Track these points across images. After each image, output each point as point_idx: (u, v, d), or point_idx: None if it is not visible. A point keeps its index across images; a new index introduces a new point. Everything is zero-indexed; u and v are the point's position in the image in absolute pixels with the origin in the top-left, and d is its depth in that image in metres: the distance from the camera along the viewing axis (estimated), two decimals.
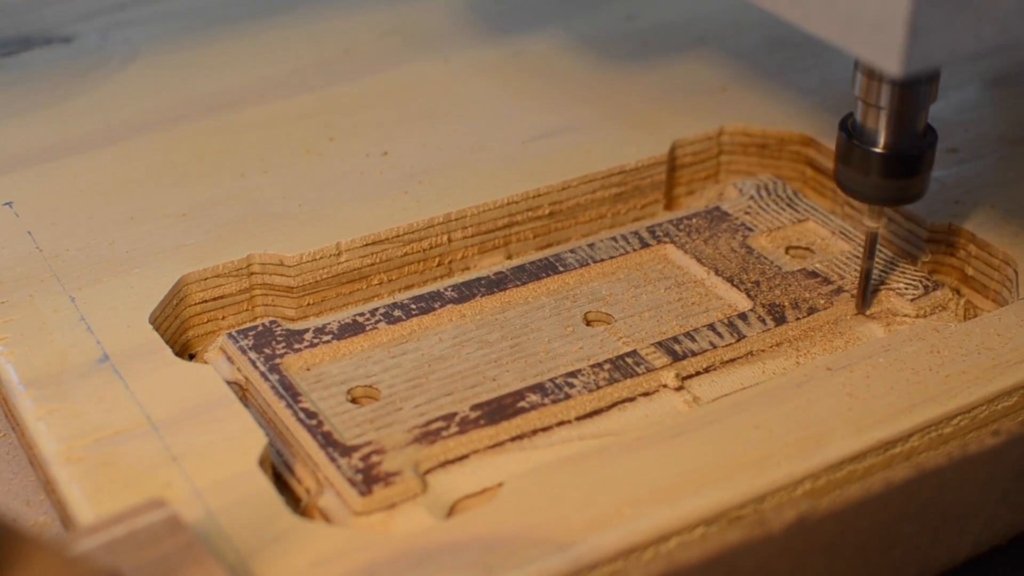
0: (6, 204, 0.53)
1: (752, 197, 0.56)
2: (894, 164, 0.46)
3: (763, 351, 0.48)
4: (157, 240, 0.51)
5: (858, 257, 0.52)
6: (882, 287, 0.50)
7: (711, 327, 0.49)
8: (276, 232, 0.51)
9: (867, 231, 0.49)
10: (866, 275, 0.49)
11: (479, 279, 0.51)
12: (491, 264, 0.54)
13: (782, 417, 0.43)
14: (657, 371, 0.47)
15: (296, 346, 0.47)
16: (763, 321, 0.49)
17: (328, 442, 0.43)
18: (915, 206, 0.53)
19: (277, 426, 0.45)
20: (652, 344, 0.48)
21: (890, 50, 0.37)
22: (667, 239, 0.53)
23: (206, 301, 0.50)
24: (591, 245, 0.53)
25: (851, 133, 0.47)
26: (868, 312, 0.49)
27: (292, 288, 0.51)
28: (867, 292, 0.50)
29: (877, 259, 0.52)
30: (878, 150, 0.46)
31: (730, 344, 0.48)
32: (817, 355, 0.48)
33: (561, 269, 0.51)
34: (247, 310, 0.51)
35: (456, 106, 0.60)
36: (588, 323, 0.49)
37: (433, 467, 0.43)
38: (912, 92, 0.45)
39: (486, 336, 0.48)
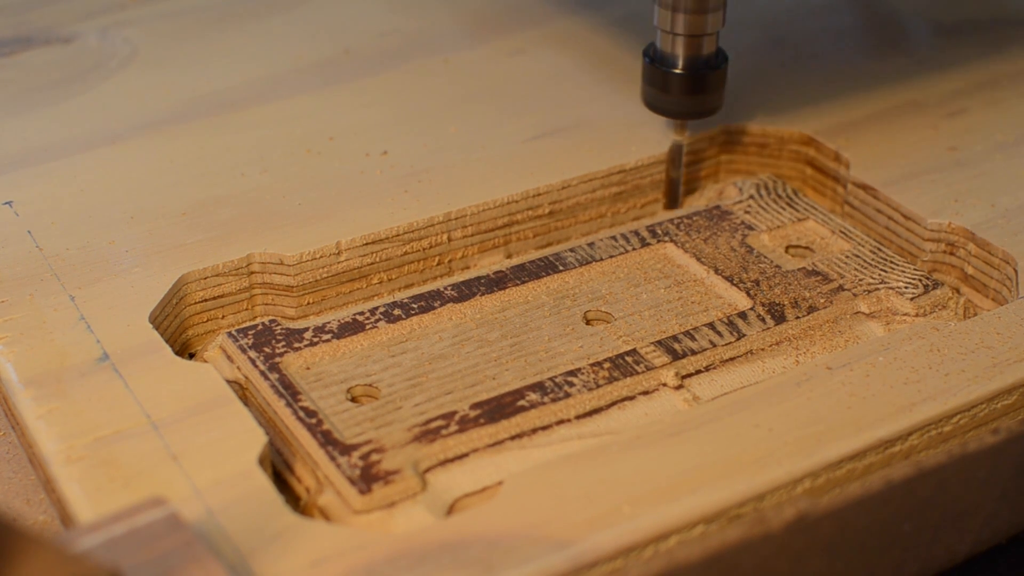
0: (6, 204, 0.53)
1: (752, 196, 0.56)
2: (689, 82, 0.54)
3: (763, 350, 0.48)
4: (157, 239, 0.51)
5: (857, 256, 0.52)
6: (882, 286, 0.50)
7: (711, 326, 0.49)
8: (276, 231, 0.51)
9: (673, 143, 0.56)
10: (673, 183, 0.56)
11: (479, 278, 0.51)
12: (491, 263, 0.54)
13: (782, 416, 0.43)
14: (657, 370, 0.47)
15: (296, 345, 0.47)
16: (763, 320, 0.49)
17: (328, 441, 0.43)
18: (915, 206, 0.53)
19: (277, 425, 0.45)
20: (652, 343, 0.48)
21: None
22: (667, 238, 0.53)
23: (206, 300, 0.50)
24: (591, 244, 0.53)
25: (653, 58, 0.55)
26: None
27: (292, 287, 0.51)
28: (676, 197, 0.57)
29: (877, 259, 0.52)
30: (676, 71, 0.54)
31: (730, 343, 0.48)
32: (817, 354, 0.48)
33: (561, 268, 0.51)
34: (247, 309, 0.51)
35: (456, 106, 0.60)
36: (588, 322, 0.49)
37: (433, 465, 0.43)
38: (700, 20, 0.53)
39: (486, 335, 0.48)
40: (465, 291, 0.50)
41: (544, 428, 0.45)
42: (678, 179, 0.56)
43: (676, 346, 0.48)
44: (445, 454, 0.43)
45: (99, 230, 0.52)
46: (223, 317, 0.51)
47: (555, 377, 0.46)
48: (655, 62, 0.54)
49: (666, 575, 0.36)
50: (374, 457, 0.43)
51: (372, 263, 0.52)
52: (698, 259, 0.52)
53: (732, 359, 0.48)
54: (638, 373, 0.46)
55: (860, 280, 0.51)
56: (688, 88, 0.54)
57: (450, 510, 0.42)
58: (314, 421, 0.44)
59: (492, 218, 0.53)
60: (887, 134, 0.58)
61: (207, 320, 0.50)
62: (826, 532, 0.38)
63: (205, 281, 0.50)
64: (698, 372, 0.47)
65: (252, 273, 0.50)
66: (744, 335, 0.48)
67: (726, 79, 0.55)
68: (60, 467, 0.41)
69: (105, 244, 0.51)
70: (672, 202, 0.57)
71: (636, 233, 0.53)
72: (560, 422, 0.45)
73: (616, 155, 0.56)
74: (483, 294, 0.50)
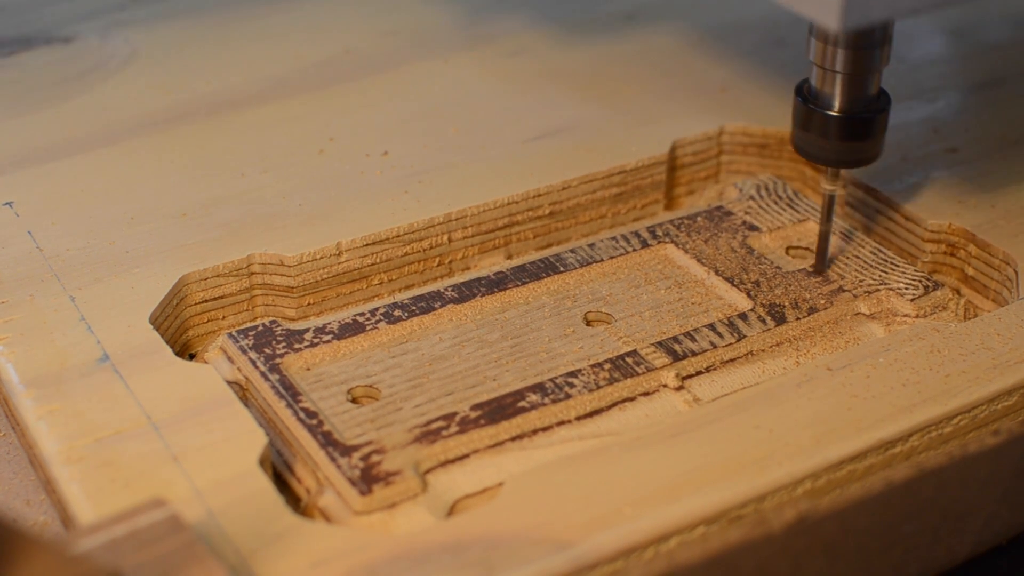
0: (6, 204, 0.53)
1: (752, 197, 0.56)
2: (849, 127, 0.48)
3: (763, 351, 0.48)
4: (157, 240, 0.51)
5: (859, 257, 0.52)
6: (882, 287, 0.50)
7: (711, 327, 0.49)
8: (276, 232, 0.51)
9: (825, 193, 0.50)
10: (823, 238, 0.51)
11: (479, 279, 0.51)
12: (491, 264, 0.54)
13: (782, 417, 0.43)
14: (657, 371, 0.47)
15: (296, 346, 0.47)
16: (763, 321, 0.49)
17: (328, 442, 0.43)
18: (915, 206, 0.53)
19: (277, 426, 0.45)
20: (652, 344, 0.48)
21: (829, 5, 0.39)
22: (667, 239, 0.53)
23: (206, 301, 0.50)
24: (591, 245, 0.53)
25: (807, 98, 0.48)
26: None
27: (292, 288, 0.51)
28: (825, 255, 0.51)
29: (877, 260, 0.52)
30: (833, 113, 0.48)
31: (730, 344, 0.48)
32: (817, 355, 0.48)
33: (561, 269, 0.51)
34: (247, 310, 0.51)
35: (456, 106, 0.60)
36: (588, 323, 0.49)
37: (433, 467, 0.43)
38: (865, 56, 0.47)
39: (486, 336, 0.48)
40: (465, 292, 0.50)
41: (545, 429, 0.45)
42: (828, 233, 0.50)
43: (676, 347, 0.48)
44: (446, 455, 0.43)
45: (99, 230, 0.52)
46: (223, 318, 0.51)
47: (555, 378, 0.46)
48: (808, 102, 0.48)
49: None
50: (375, 458, 0.43)
51: (372, 264, 0.52)
52: (698, 260, 0.52)
53: (733, 360, 0.48)
54: (639, 374, 0.46)
55: (860, 281, 0.51)
56: (848, 133, 0.48)
57: (451, 511, 0.42)
58: (315, 422, 0.44)
59: (492, 219, 0.53)
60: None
61: (207, 321, 0.50)
62: (827, 533, 0.39)
63: (205, 282, 0.50)
64: (699, 373, 0.47)
65: (252, 274, 0.50)
66: (744, 336, 0.48)
67: (887, 124, 0.49)
68: (60, 468, 0.41)
69: (106, 244, 0.51)
70: (820, 261, 0.51)
71: (636, 234, 0.53)
72: (561, 423, 0.45)
73: (616, 156, 0.56)
74: (483, 295, 0.50)
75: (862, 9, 0.39)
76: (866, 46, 0.47)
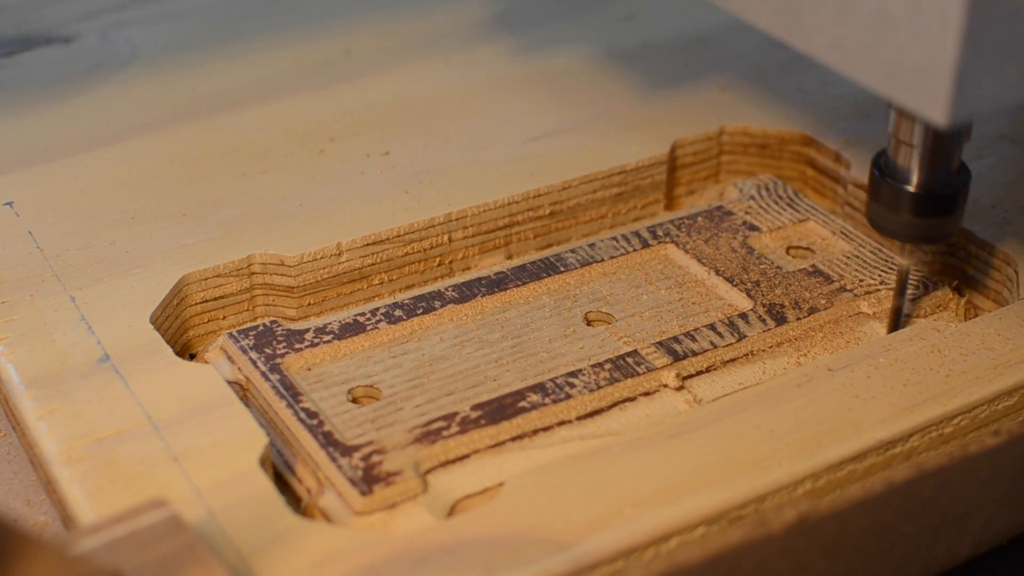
0: (6, 204, 0.53)
1: (752, 197, 0.56)
2: (927, 203, 0.45)
3: (764, 351, 0.48)
4: (157, 240, 0.51)
5: (858, 257, 0.52)
6: (883, 287, 0.50)
7: (712, 327, 0.49)
8: (276, 232, 0.51)
9: (899, 268, 0.48)
10: (896, 312, 0.48)
11: (479, 279, 0.51)
12: (491, 264, 0.54)
13: (783, 417, 0.43)
14: (658, 371, 0.47)
15: (297, 346, 0.47)
16: (764, 321, 0.49)
17: (329, 442, 0.43)
18: None
19: (278, 426, 0.45)
20: (653, 344, 0.48)
21: (935, 99, 0.36)
22: (667, 239, 0.53)
23: (207, 301, 0.50)
24: (591, 245, 0.53)
25: (883, 170, 0.46)
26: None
27: (293, 288, 0.51)
28: (897, 327, 0.49)
29: (878, 260, 0.52)
30: (911, 188, 0.45)
31: (731, 344, 0.48)
32: (818, 355, 0.48)
33: (562, 269, 0.51)
34: (248, 310, 0.51)
35: (456, 106, 0.60)
36: (589, 323, 0.49)
37: (434, 467, 0.43)
38: (947, 132, 0.44)
39: (487, 336, 0.48)
40: (466, 292, 0.50)
41: (545, 429, 0.45)
42: (900, 308, 0.48)
43: (677, 347, 0.48)
44: (446, 455, 0.43)
45: (100, 231, 0.52)
46: (224, 318, 0.51)
47: (556, 378, 0.46)
48: (887, 175, 0.46)
49: None
50: (375, 458, 0.43)
51: (373, 264, 0.52)
52: (699, 260, 0.52)
53: (733, 360, 0.48)
54: (639, 374, 0.46)
55: (861, 281, 0.51)
56: (925, 210, 0.46)
57: (451, 511, 0.42)
58: (315, 422, 0.44)
59: (493, 219, 0.53)
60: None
61: (208, 321, 0.50)
62: (827, 533, 0.39)
63: (206, 282, 0.50)
64: (699, 373, 0.47)
65: (253, 274, 0.50)
66: (745, 336, 0.48)
67: (967, 199, 0.47)
68: (61, 468, 0.41)
69: (106, 245, 0.51)
70: (893, 328, 0.49)
71: (637, 234, 0.53)
72: (561, 423, 0.45)
73: (616, 156, 0.56)
74: (484, 295, 0.50)
75: (970, 104, 0.36)
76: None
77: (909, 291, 0.50)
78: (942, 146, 0.45)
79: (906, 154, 0.45)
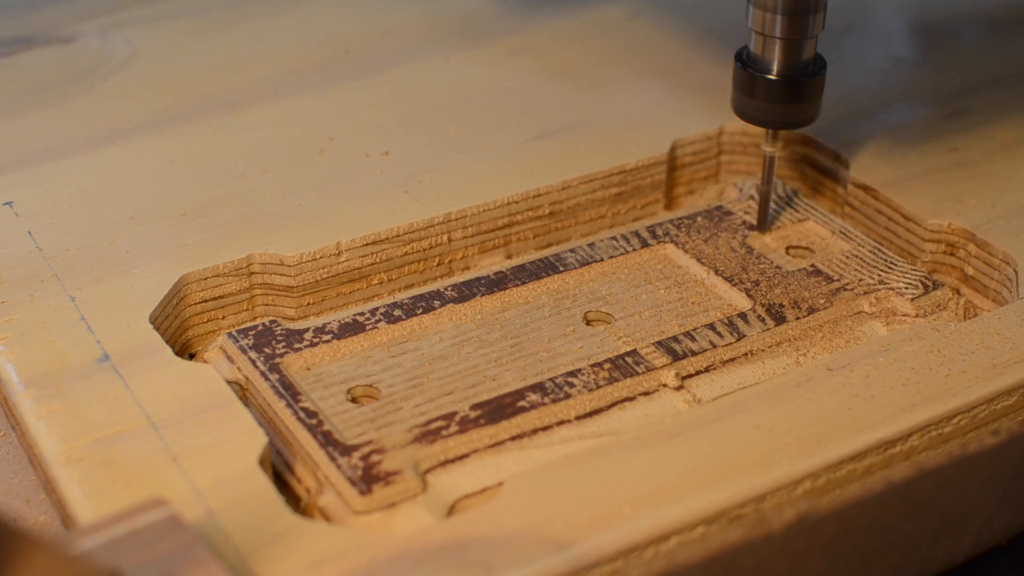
0: (6, 204, 0.53)
1: (752, 197, 0.56)
2: (784, 89, 0.50)
3: (763, 351, 0.48)
4: (157, 240, 0.51)
5: (858, 256, 0.52)
6: (882, 286, 0.50)
7: (711, 327, 0.49)
8: (276, 232, 0.51)
9: (765, 155, 0.53)
10: (764, 198, 0.53)
11: (479, 279, 0.51)
12: (491, 264, 0.54)
13: (782, 417, 0.43)
14: (657, 370, 0.47)
15: (296, 346, 0.47)
16: (763, 321, 0.49)
17: (328, 441, 0.43)
18: (915, 207, 0.53)
19: (277, 425, 0.45)
20: (652, 344, 0.48)
21: None
22: (667, 239, 0.53)
23: (206, 301, 0.50)
24: (591, 245, 0.53)
25: (746, 63, 0.51)
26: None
27: (292, 288, 0.51)
28: (766, 215, 0.53)
29: (877, 260, 0.52)
30: (771, 77, 0.50)
31: (730, 344, 0.48)
32: (817, 355, 0.48)
33: (561, 269, 0.51)
34: (247, 310, 0.51)
35: (456, 106, 0.60)
36: (588, 323, 0.49)
37: (433, 466, 0.43)
38: (799, 22, 0.49)
39: (486, 336, 0.48)
40: (465, 292, 0.50)
41: (544, 429, 0.45)
42: (768, 193, 0.53)
43: (676, 347, 0.48)
44: (445, 455, 0.43)
45: (99, 230, 0.52)
46: (223, 318, 0.51)
47: (555, 378, 0.46)
48: (748, 67, 0.51)
49: None
50: (374, 458, 0.43)
51: (372, 264, 0.52)
52: (698, 260, 0.52)
53: (732, 360, 0.48)
54: (638, 374, 0.46)
55: (860, 281, 0.51)
56: (784, 96, 0.51)
57: (450, 511, 0.42)
58: (314, 422, 0.44)
59: (492, 219, 0.53)
60: (887, 134, 0.58)
61: (207, 321, 0.50)
62: (826, 533, 0.39)
63: (205, 282, 0.50)
64: (698, 373, 0.47)
65: (252, 274, 0.50)
66: (744, 336, 0.48)
67: (824, 87, 0.52)
68: (60, 468, 0.41)
69: (105, 244, 0.51)
70: (762, 219, 0.53)
71: (636, 234, 0.53)
72: (560, 423, 0.45)
73: (616, 156, 0.56)
74: (483, 295, 0.50)
75: None
76: (802, 12, 0.49)
77: (908, 291, 0.50)
78: (795, 36, 0.50)
79: (763, 45, 0.50)
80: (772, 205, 0.55)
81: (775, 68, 0.50)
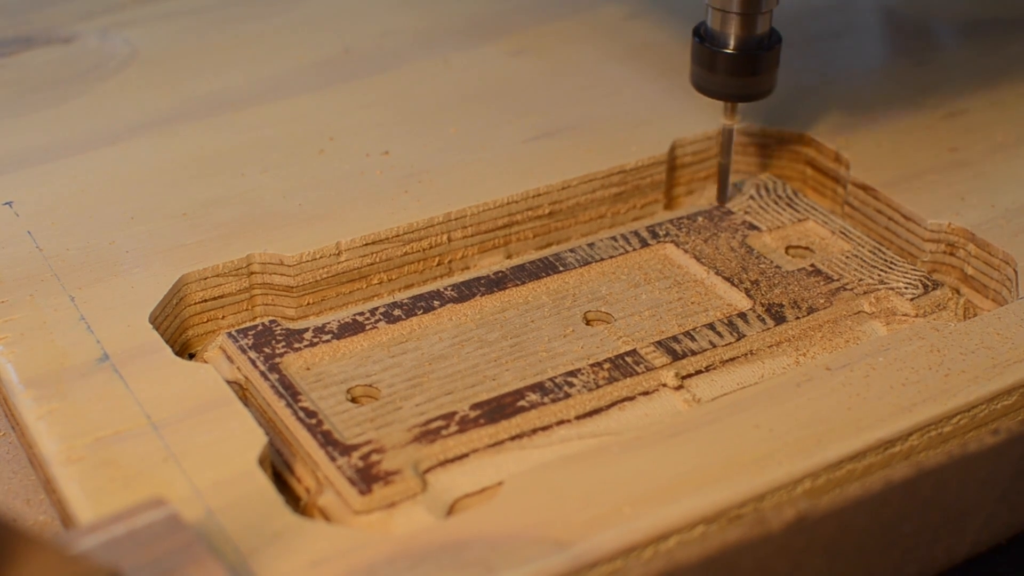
0: (6, 204, 0.53)
1: (752, 197, 0.56)
2: (739, 63, 0.52)
3: (763, 350, 0.48)
4: (157, 240, 0.51)
5: (857, 256, 0.52)
6: (882, 286, 0.50)
7: (711, 326, 0.49)
8: (276, 232, 0.51)
9: (723, 128, 0.54)
10: (724, 171, 0.55)
11: (479, 279, 0.51)
12: (491, 264, 0.54)
13: (782, 416, 0.43)
14: (657, 370, 0.47)
15: (296, 345, 0.47)
16: (763, 320, 0.49)
17: (328, 441, 0.43)
18: (915, 207, 0.53)
19: (277, 425, 0.45)
20: (652, 343, 0.48)
21: None
22: (667, 238, 0.53)
23: (206, 300, 0.50)
24: (591, 245, 0.53)
25: (703, 37, 0.53)
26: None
27: (292, 287, 0.51)
28: (726, 188, 0.55)
29: (877, 259, 0.52)
30: (726, 51, 0.52)
31: (730, 343, 0.48)
32: (817, 354, 0.48)
33: (561, 269, 0.51)
34: (247, 309, 0.51)
35: (456, 106, 0.60)
36: (588, 322, 0.49)
37: (433, 466, 0.43)
38: None
39: (486, 335, 0.48)
40: (465, 291, 0.50)
41: (544, 428, 0.45)
42: (727, 166, 0.55)
43: (676, 347, 0.48)
44: (445, 454, 0.43)
45: (99, 230, 0.52)
46: (223, 317, 0.51)
47: (555, 377, 0.46)
48: (705, 41, 0.53)
49: None
50: (374, 457, 0.43)
51: (372, 263, 0.52)
52: (698, 260, 0.52)
53: (732, 360, 0.48)
54: (638, 374, 0.46)
55: (860, 280, 0.51)
56: (740, 69, 0.52)
57: (450, 511, 0.42)
58: (314, 421, 0.44)
59: (492, 218, 0.53)
60: (887, 134, 0.58)
61: (207, 320, 0.50)
62: (826, 533, 0.39)
63: (205, 281, 0.50)
64: (698, 372, 0.47)
65: (252, 273, 0.50)
66: (744, 336, 0.48)
67: (779, 60, 0.53)
68: (60, 467, 0.41)
69: (105, 244, 0.51)
70: (721, 191, 0.55)
71: (636, 233, 0.53)
72: (560, 422, 0.45)
73: (616, 155, 0.56)
74: (483, 294, 0.50)
75: None
76: None
77: (908, 291, 0.50)
78: (750, 11, 0.51)
79: (719, 19, 0.52)
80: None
81: (732, 42, 0.52)
